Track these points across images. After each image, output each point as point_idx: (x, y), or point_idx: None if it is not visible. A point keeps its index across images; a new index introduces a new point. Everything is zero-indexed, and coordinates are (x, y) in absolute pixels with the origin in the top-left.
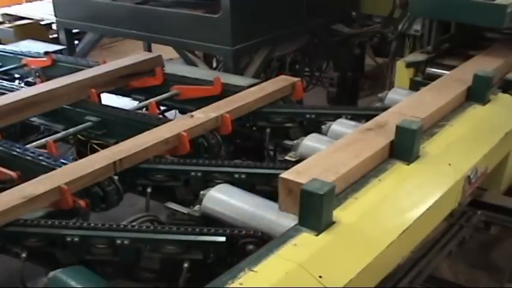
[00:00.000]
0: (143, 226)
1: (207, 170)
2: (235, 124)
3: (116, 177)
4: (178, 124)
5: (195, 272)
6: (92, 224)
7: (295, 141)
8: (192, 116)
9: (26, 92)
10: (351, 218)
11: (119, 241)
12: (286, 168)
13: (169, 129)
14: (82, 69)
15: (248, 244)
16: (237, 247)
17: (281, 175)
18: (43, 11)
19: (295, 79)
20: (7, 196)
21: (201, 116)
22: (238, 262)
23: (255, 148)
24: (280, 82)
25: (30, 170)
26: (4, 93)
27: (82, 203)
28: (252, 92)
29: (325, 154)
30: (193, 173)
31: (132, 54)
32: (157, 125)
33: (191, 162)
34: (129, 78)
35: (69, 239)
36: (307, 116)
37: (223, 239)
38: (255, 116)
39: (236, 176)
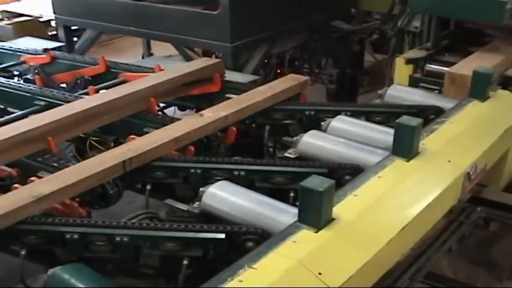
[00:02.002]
0: (142, 223)
1: (207, 167)
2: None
3: None
4: (188, 123)
5: (194, 269)
6: (91, 221)
7: (294, 138)
8: (201, 115)
9: (83, 104)
10: (351, 215)
11: (118, 238)
12: (286, 165)
13: (178, 128)
14: (81, 67)
15: (248, 241)
16: (236, 244)
17: (447, 70)
18: (42, 8)
19: (304, 78)
20: (16, 195)
21: (211, 115)
22: (237, 259)
23: (254, 145)
24: (289, 81)
25: (29, 168)
26: (4, 91)
27: (83, 212)
28: (261, 91)
29: (468, 60)
30: (192, 170)
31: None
32: (156, 122)
33: (190, 159)
34: (190, 86)
35: (68, 236)
36: (307, 112)
37: (222, 236)
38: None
39: (235, 173)
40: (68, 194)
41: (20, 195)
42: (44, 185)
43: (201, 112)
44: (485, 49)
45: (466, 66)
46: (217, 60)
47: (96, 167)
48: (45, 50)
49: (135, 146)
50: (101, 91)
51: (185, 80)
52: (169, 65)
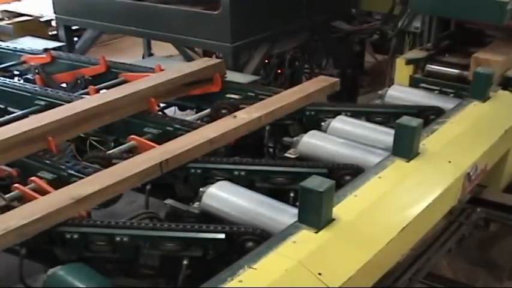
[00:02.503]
0: (142, 223)
1: (207, 167)
2: None
3: None
4: (222, 124)
5: (194, 269)
6: (91, 221)
7: (294, 139)
8: (235, 116)
9: (83, 104)
10: (351, 215)
11: (118, 238)
12: (286, 166)
13: (213, 130)
14: (82, 66)
15: (247, 241)
16: (236, 244)
17: (473, 55)
18: (42, 7)
19: (335, 79)
20: (55, 197)
21: (244, 116)
22: (237, 259)
23: (254, 145)
24: (320, 82)
25: (29, 167)
26: (4, 91)
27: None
28: (293, 93)
29: (495, 45)
30: (192, 170)
31: (130, 53)
32: (156, 123)
33: (190, 159)
34: (190, 87)
35: (68, 236)
36: (307, 113)
37: (222, 236)
38: None
39: (236, 173)
40: (106, 196)
41: (60, 197)
42: (83, 186)
43: (235, 114)
44: (486, 50)
45: (490, 51)
46: (218, 60)
47: (134, 168)
48: (46, 50)
49: (172, 148)
50: (102, 91)
51: (186, 80)
52: (170, 65)
